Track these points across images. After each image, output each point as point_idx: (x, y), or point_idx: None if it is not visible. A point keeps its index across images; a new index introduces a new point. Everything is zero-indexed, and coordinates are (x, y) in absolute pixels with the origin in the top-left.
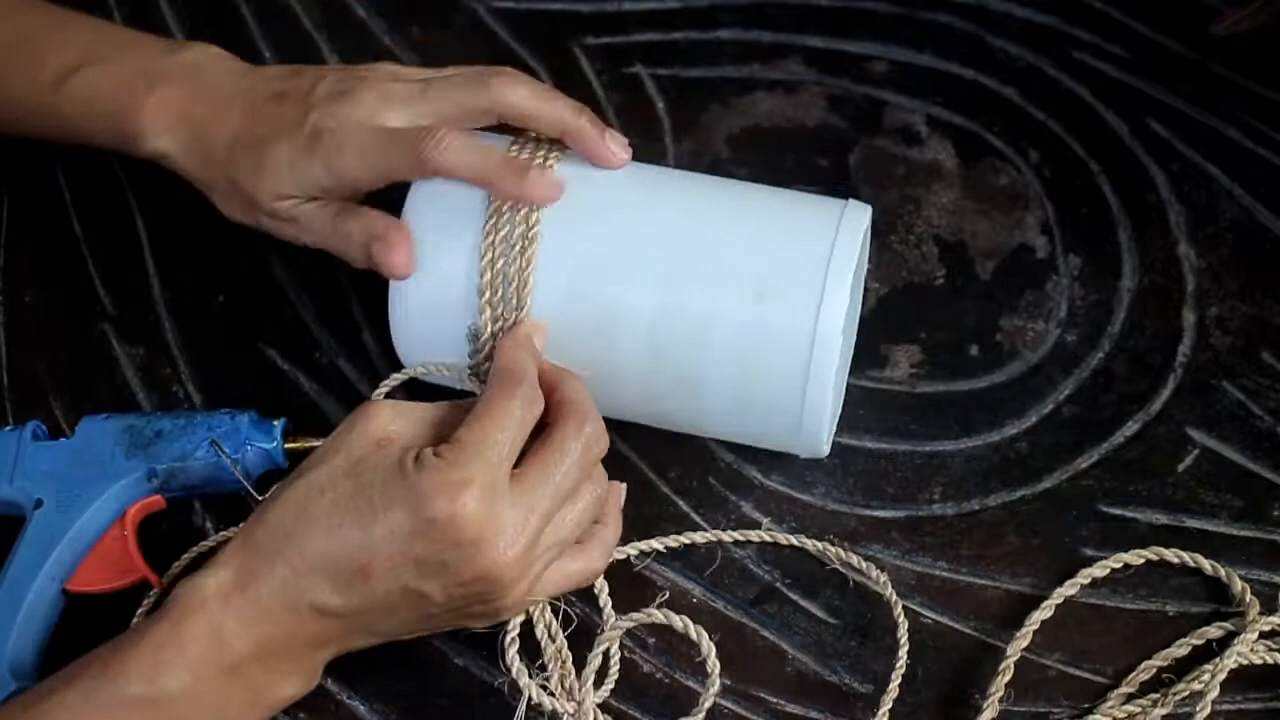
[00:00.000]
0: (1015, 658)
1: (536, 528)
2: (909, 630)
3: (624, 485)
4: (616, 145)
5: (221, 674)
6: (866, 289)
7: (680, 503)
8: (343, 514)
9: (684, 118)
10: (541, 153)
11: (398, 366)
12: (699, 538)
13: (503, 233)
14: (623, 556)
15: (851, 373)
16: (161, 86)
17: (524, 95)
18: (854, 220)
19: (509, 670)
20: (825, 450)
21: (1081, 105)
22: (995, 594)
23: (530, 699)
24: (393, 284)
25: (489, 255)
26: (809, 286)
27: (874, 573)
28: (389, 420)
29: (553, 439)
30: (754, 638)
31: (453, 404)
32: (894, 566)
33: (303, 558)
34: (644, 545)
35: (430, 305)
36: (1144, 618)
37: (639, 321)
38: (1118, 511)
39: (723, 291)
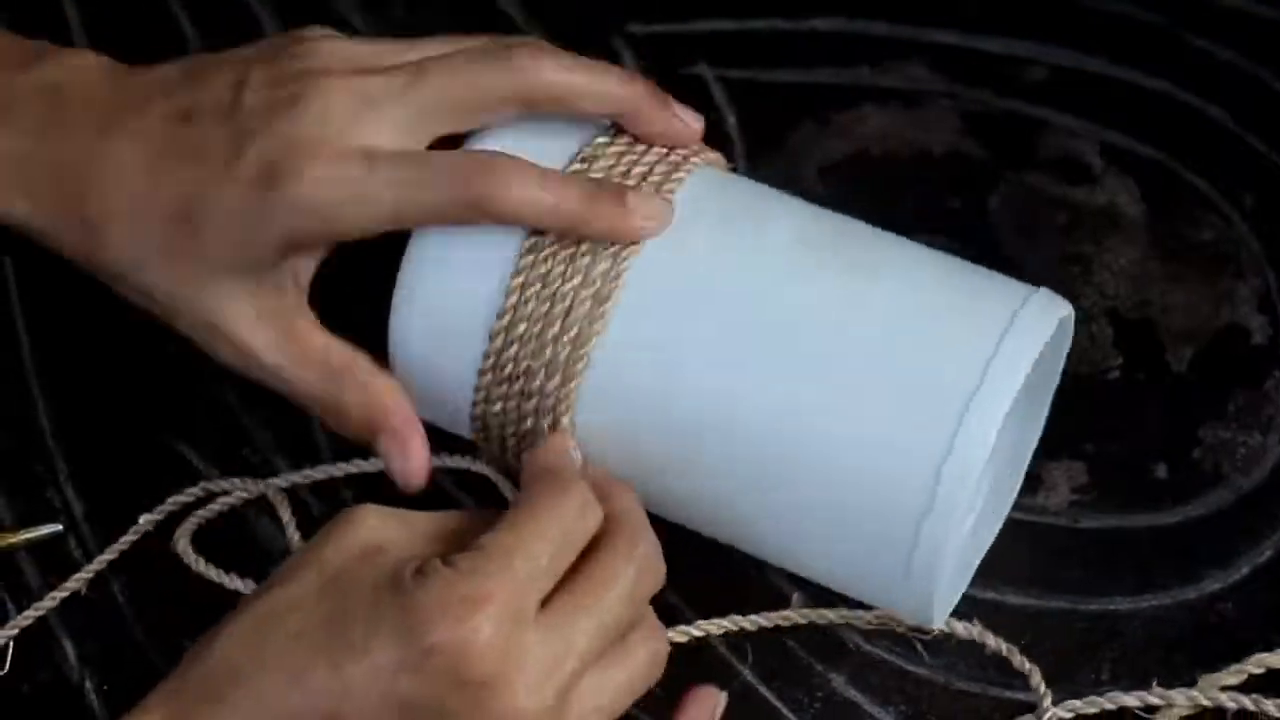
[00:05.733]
0: None
1: (571, 674)
2: None
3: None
4: (688, 115)
5: None
6: None
7: (745, 673)
8: (311, 646)
9: (763, 138)
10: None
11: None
12: None
13: (542, 285)
14: None
15: None
16: (5, 126)
17: (559, 70)
18: (1037, 319)
19: None
20: (937, 623)
21: None
22: None
23: None
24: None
25: (510, 317)
26: (943, 408)
27: None
28: (379, 527)
29: (595, 561)
30: None
31: (471, 511)
32: None
33: (255, 707)
34: None
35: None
36: None
37: (703, 413)
38: None
39: (829, 387)
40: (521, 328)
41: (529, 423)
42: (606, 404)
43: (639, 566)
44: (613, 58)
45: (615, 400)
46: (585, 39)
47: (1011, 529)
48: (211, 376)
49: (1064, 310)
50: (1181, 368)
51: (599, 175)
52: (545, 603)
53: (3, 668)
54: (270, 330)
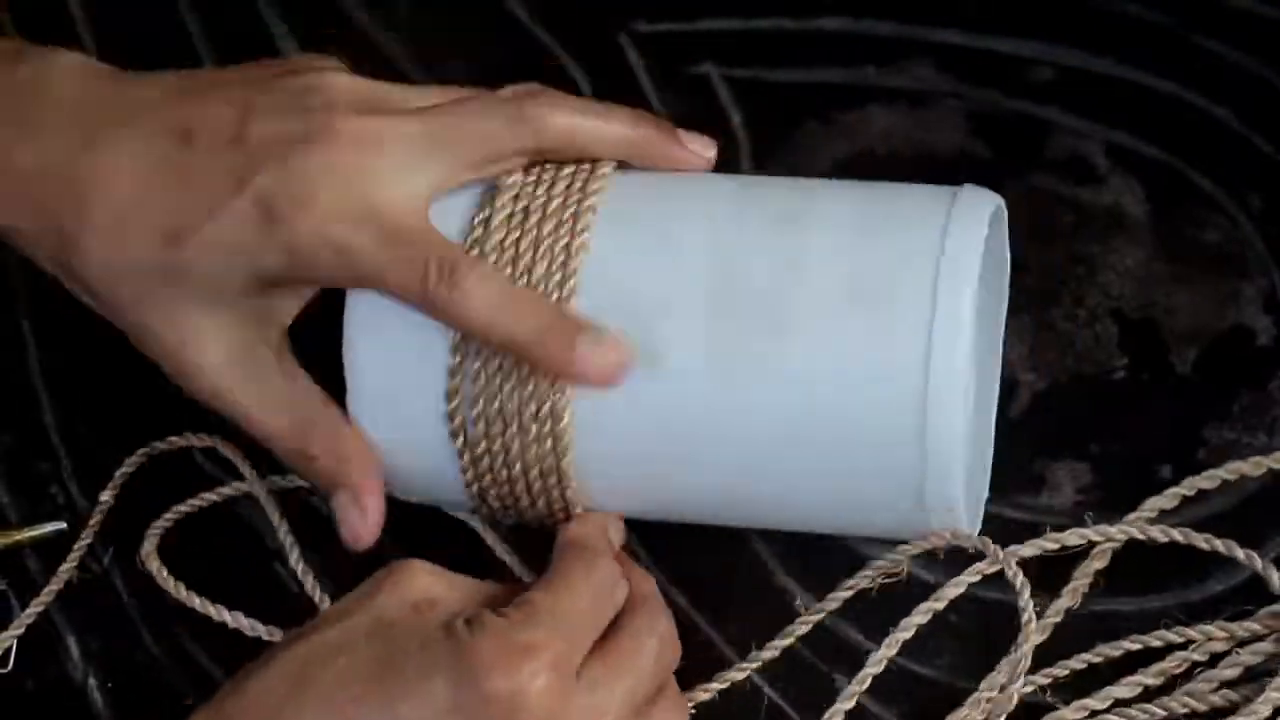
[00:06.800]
0: None
1: None
2: None
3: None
4: (697, 144)
5: None
6: (1017, 382)
7: (751, 675)
8: (361, 685)
9: (769, 137)
10: (578, 185)
11: None
12: None
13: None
14: None
15: (996, 498)
16: None
17: (568, 117)
18: (973, 204)
19: None
20: (973, 525)
21: None
22: None
23: None
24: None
25: None
26: (917, 283)
27: None
28: (431, 584)
29: (625, 631)
30: None
31: (514, 585)
32: None
33: None
34: None
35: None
36: None
37: (691, 343)
38: None
39: (804, 295)
40: (479, 380)
41: (532, 452)
42: (598, 418)
43: (661, 640)
44: (617, 58)
45: (606, 410)
46: (591, 38)
47: (1016, 529)
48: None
49: (994, 200)
50: (1186, 369)
51: (510, 206)
52: (581, 667)
53: (6, 665)
54: (240, 371)
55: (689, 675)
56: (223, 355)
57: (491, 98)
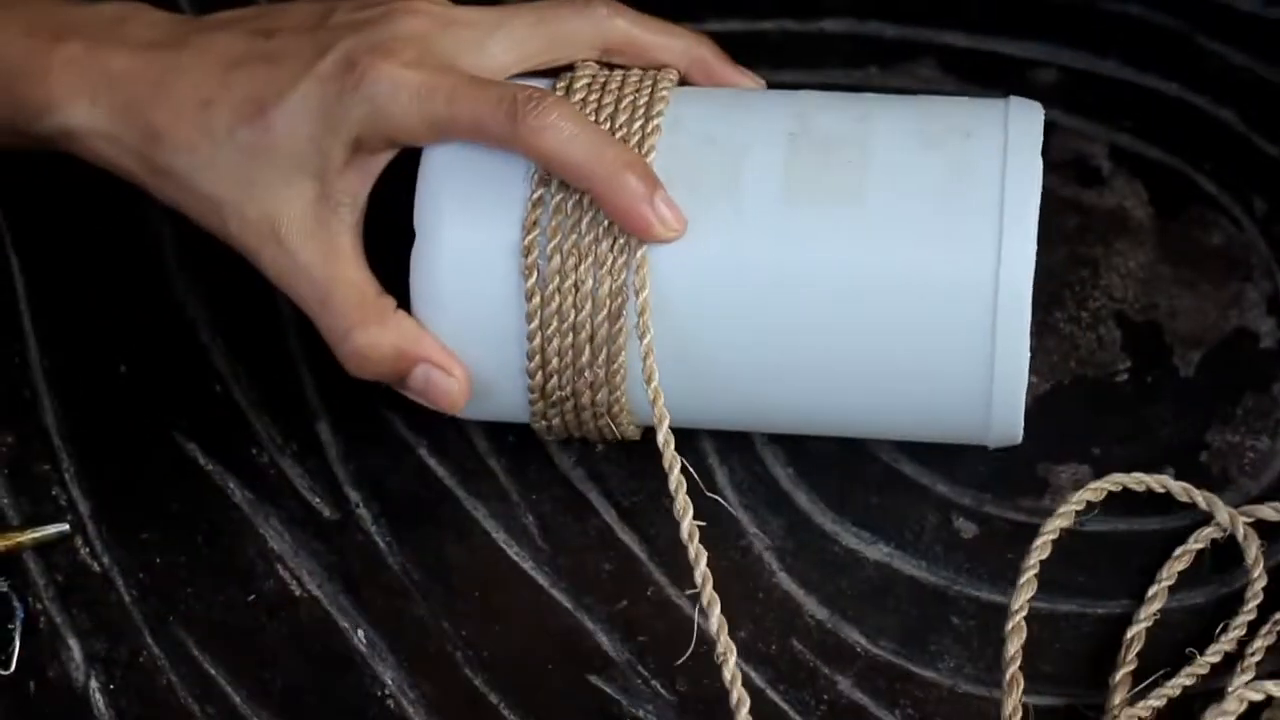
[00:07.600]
0: None
1: None
2: None
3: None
4: (748, 77)
5: None
6: None
7: (753, 676)
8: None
9: None
10: (650, 72)
11: (362, 468)
12: None
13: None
14: None
15: (998, 502)
16: (72, 39)
17: (633, 24)
18: (1024, 116)
19: None
20: (1020, 434)
21: None
22: None
23: None
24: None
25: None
26: (989, 128)
27: None
28: None
29: None
30: None
31: None
32: None
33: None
34: None
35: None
36: None
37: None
38: None
39: (879, 139)
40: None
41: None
42: (673, 255)
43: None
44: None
45: (682, 246)
46: None
47: (1017, 532)
48: (219, 375)
49: (1038, 111)
50: (1189, 371)
51: (588, 77)
52: None
53: (9, 668)
54: (322, 245)
55: (689, 673)
56: (306, 228)
57: (560, 1)
